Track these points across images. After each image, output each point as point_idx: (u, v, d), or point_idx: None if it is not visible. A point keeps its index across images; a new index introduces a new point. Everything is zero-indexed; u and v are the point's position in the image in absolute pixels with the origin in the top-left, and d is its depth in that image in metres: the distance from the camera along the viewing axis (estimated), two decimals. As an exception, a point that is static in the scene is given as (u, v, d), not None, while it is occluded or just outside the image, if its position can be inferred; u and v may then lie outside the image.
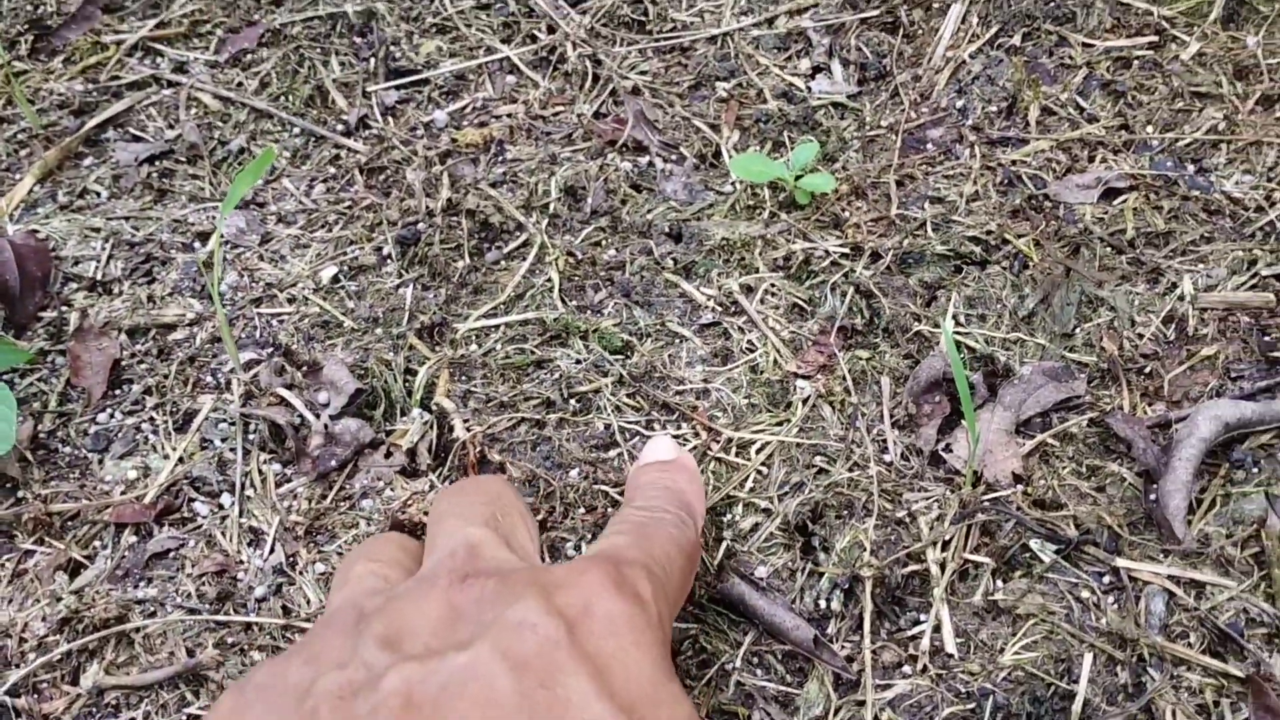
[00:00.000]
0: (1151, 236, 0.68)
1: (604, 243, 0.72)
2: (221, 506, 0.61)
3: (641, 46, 0.85)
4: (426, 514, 0.55)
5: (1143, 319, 0.64)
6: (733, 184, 0.75)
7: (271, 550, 0.59)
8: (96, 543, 0.60)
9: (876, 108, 0.79)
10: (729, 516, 0.58)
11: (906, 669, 0.53)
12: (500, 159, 0.78)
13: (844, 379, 0.63)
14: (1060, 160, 0.73)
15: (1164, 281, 0.66)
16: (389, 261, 0.72)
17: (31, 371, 0.67)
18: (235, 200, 0.61)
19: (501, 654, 0.36)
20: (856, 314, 0.66)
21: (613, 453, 0.61)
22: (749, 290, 0.68)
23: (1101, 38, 0.80)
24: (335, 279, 0.71)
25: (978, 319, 0.65)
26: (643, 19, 0.86)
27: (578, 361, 0.65)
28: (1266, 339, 0.62)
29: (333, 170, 0.78)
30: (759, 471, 0.60)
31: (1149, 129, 0.74)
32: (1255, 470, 0.57)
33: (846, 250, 0.69)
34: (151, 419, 0.65)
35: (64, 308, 0.70)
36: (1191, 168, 0.72)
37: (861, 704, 0.52)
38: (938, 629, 0.54)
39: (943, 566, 0.55)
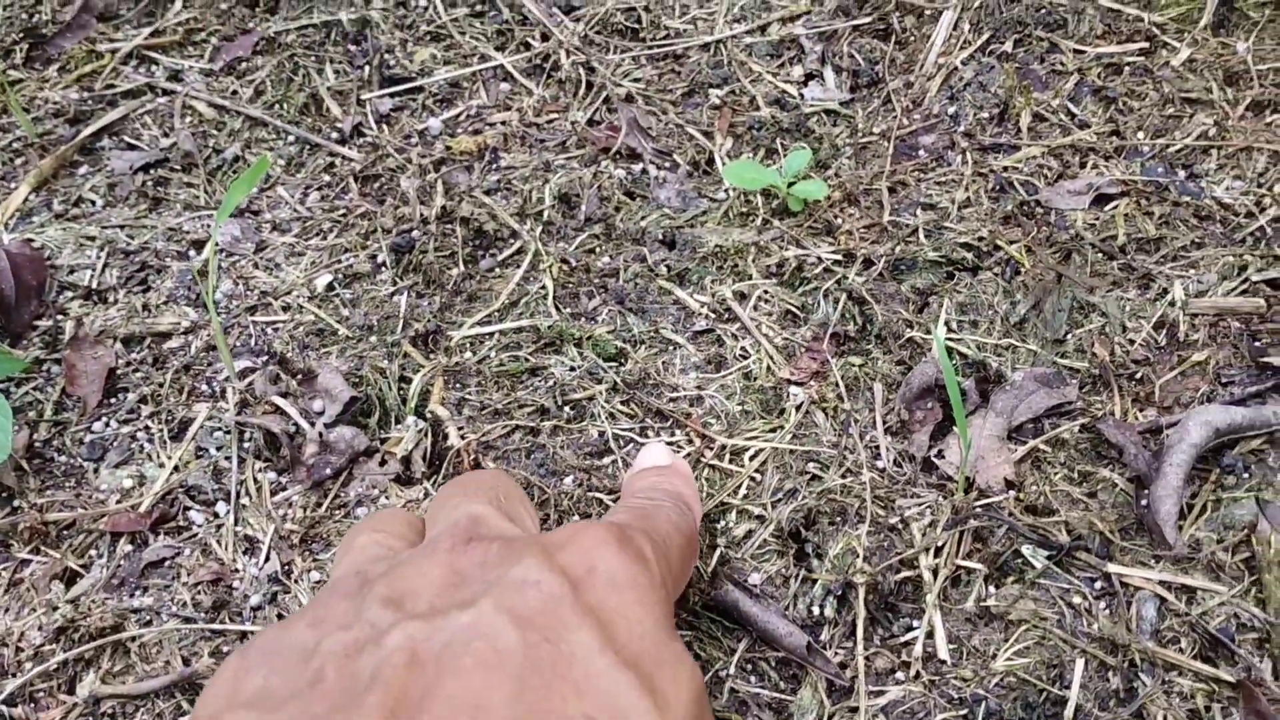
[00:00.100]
0: (1143, 242, 0.69)
1: (598, 250, 0.72)
2: (217, 515, 0.61)
3: (635, 54, 0.85)
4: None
5: (1134, 325, 0.64)
6: (726, 191, 0.75)
7: (267, 558, 0.59)
8: (92, 552, 0.60)
9: (869, 114, 0.80)
10: (722, 523, 0.58)
11: (899, 675, 0.53)
12: (494, 166, 0.78)
13: (837, 385, 0.63)
14: (1052, 166, 0.73)
15: (1155, 287, 0.66)
16: (383, 269, 0.72)
17: (27, 380, 0.67)
18: (230, 208, 0.61)
19: (505, 611, 0.37)
20: (849, 320, 0.66)
21: (607, 460, 0.61)
22: (742, 297, 0.68)
23: (1092, 44, 0.80)
24: (330, 287, 0.71)
25: (970, 325, 0.66)
26: (636, 27, 0.87)
27: (572, 369, 0.65)
28: (1257, 344, 0.63)
29: (327, 178, 0.79)
30: (752, 478, 0.60)
31: (1140, 135, 0.75)
32: (1246, 475, 0.57)
33: (839, 257, 0.69)
34: (147, 427, 0.65)
35: (59, 316, 0.71)
36: (1182, 173, 0.72)
37: (855, 710, 0.52)
38: (930, 635, 0.54)
39: (935, 573, 0.55)
